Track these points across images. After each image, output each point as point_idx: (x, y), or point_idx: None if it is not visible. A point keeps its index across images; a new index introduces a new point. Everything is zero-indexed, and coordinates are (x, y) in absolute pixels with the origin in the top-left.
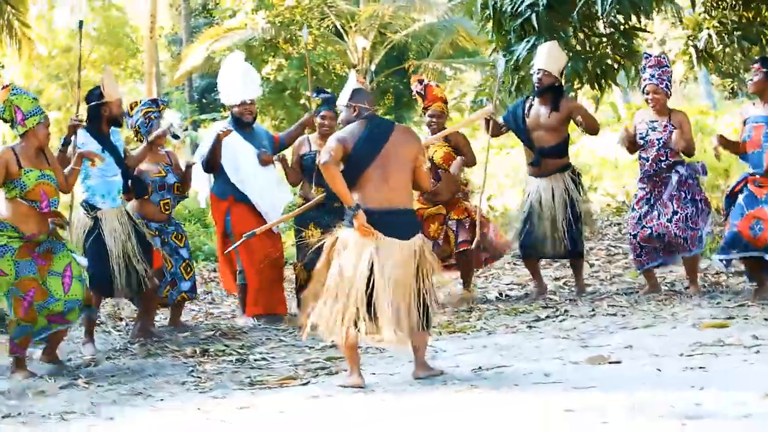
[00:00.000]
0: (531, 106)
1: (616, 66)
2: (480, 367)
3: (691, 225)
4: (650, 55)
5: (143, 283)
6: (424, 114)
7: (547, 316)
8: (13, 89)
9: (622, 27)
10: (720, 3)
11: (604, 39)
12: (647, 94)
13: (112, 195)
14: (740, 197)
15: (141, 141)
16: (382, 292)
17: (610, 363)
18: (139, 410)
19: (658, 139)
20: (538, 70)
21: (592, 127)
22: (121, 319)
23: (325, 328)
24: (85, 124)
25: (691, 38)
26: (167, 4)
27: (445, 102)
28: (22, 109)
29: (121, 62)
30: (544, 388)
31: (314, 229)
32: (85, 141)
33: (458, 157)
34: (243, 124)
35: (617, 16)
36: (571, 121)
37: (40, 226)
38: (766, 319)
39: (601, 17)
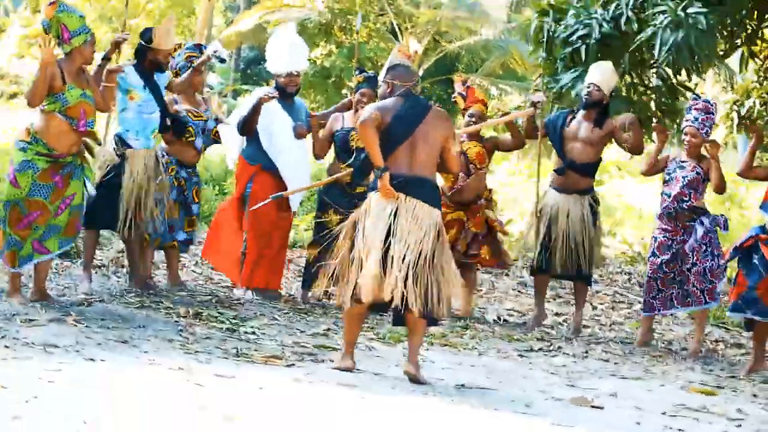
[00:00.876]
0: (573, 118)
1: (655, 120)
2: (464, 385)
3: (710, 278)
4: (698, 98)
5: (150, 228)
6: (464, 115)
7: (540, 349)
8: (60, 6)
9: (668, 81)
10: None
11: (649, 90)
12: (685, 135)
13: (146, 133)
14: (755, 258)
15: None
16: (398, 248)
17: (592, 407)
18: (121, 357)
19: (683, 177)
20: (590, 84)
21: (638, 144)
22: (122, 267)
23: (338, 291)
24: (126, 38)
25: (737, 103)
26: None
27: (486, 105)
28: (68, 27)
29: (175, 18)
30: (523, 418)
31: (333, 215)
32: (128, 72)
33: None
34: (285, 94)
35: (666, 68)
36: (612, 143)
37: (72, 144)
38: (754, 395)
39: (653, 65)
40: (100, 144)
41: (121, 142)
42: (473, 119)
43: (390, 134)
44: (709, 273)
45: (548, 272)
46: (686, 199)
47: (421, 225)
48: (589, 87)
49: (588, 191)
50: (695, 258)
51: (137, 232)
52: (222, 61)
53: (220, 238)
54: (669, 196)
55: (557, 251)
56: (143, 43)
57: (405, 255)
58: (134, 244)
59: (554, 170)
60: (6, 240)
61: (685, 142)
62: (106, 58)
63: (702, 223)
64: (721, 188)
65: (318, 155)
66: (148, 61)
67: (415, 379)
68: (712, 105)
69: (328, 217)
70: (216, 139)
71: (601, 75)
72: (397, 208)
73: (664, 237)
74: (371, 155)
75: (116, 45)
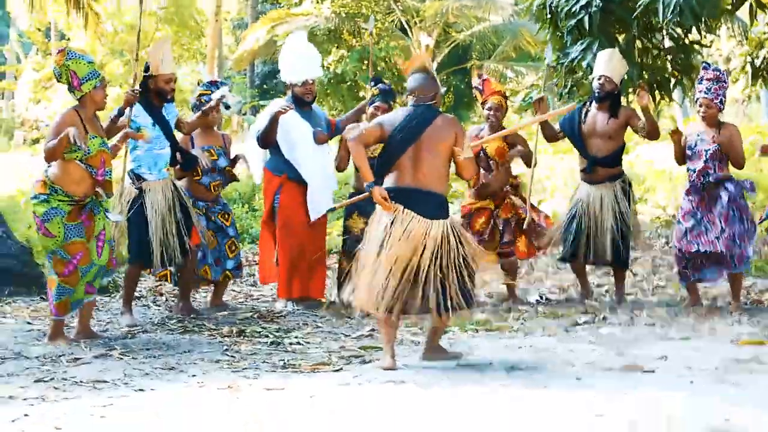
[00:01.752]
0: (587, 112)
1: (672, 80)
2: (513, 367)
3: (739, 242)
4: (709, 66)
5: (178, 258)
6: (483, 108)
7: (585, 322)
8: (68, 53)
9: (681, 41)
10: None
11: (662, 52)
12: (700, 106)
13: (159, 167)
14: None
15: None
16: (385, 260)
17: (644, 372)
18: (170, 384)
19: (705, 150)
20: (600, 76)
21: (653, 131)
22: (161, 294)
23: (358, 302)
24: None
25: (750, 55)
26: None
27: (504, 96)
28: (78, 74)
29: (185, 43)
30: (575, 392)
31: (358, 218)
32: (136, 112)
33: (518, 147)
34: (303, 103)
35: (677, 29)
36: (628, 129)
37: (90, 189)
38: None
39: (662, 27)
40: (110, 195)
41: (136, 177)
42: (492, 111)
43: (390, 146)
44: (738, 238)
45: (581, 262)
46: (711, 171)
47: (413, 238)
48: (599, 79)
49: (618, 176)
50: (724, 224)
51: (184, 264)
52: (227, 107)
53: (265, 259)
54: (694, 172)
55: (591, 241)
56: (144, 74)
57: (391, 268)
58: (185, 274)
59: (582, 170)
60: (56, 290)
61: (701, 114)
62: (120, 114)
63: (727, 189)
64: (741, 165)
65: (339, 168)
66: (153, 93)
67: (441, 359)
68: (723, 73)
69: (353, 222)
70: (232, 177)
71: (610, 64)
72: (393, 221)
73: (689, 205)
74: (360, 171)
75: (129, 101)
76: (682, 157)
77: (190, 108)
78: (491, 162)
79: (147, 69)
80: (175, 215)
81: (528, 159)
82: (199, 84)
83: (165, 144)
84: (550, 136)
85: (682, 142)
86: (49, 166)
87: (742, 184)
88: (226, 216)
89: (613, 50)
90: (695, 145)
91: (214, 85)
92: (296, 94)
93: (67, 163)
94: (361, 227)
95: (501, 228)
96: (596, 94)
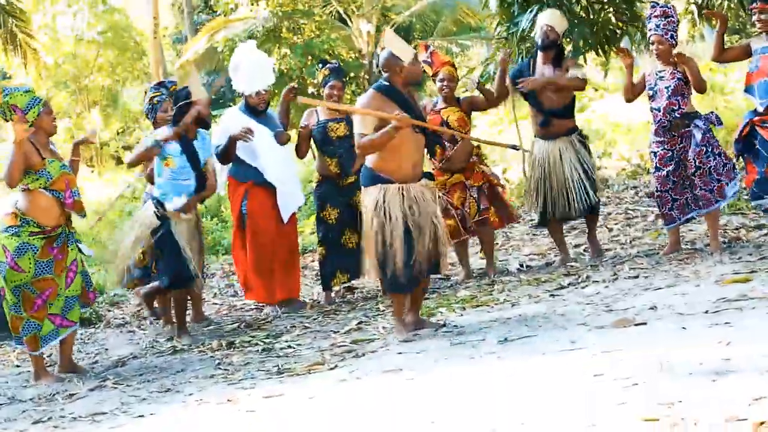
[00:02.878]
0: (534, 67)
1: (618, 32)
2: (506, 339)
3: (716, 177)
4: (656, 5)
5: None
6: (434, 81)
7: (570, 284)
8: (3, 90)
9: None
10: None
11: (606, 5)
12: (652, 44)
13: (182, 198)
14: (756, 143)
15: (153, 126)
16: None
17: (635, 325)
18: (168, 406)
19: (666, 87)
20: (543, 25)
21: (698, 83)
22: (144, 318)
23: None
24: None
25: None
26: (169, 3)
27: (454, 66)
28: (18, 106)
29: (127, 66)
30: (571, 354)
31: (331, 210)
32: (204, 134)
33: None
34: (257, 111)
35: None
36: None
37: (60, 217)
38: None
39: None
40: (84, 216)
41: (159, 205)
42: (444, 83)
43: None
44: (714, 172)
45: (557, 221)
46: (676, 107)
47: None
48: (543, 28)
49: (573, 131)
50: (698, 161)
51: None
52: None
53: (244, 270)
54: (659, 110)
55: (559, 199)
56: (180, 102)
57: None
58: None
59: (539, 125)
60: (23, 325)
61: (654, 51)
62: (76, 145)
63: (698, 126)
64: (701, 88)
65: (299, 155)
66: (194, 120)
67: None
68: (670, 8)
69: (327, 214)
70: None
71: (553, 16)
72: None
73: (663, 149)
74: (379, 139)
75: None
76: (631, 92)
77: (144, 115)
78: (455, 135)
79: (182, 98)
80: (196, 239)
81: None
82: (146, 93)
83: (190, 174)
84: (501, 88)
85: (640, 84)
86: (17, 200)
87: (709, 118)
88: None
89: (553, 9)
90: (655, 84)
91: (162, 86)
92: (251, 104)
93: (33, 193)
94: (335, 217)
95: (476, 197)
96: (540, 43)
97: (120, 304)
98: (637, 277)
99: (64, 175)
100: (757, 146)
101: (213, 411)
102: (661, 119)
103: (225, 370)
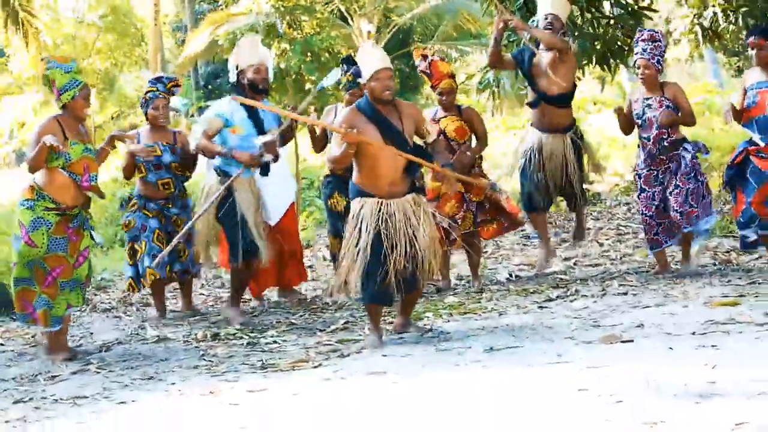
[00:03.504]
0: (535, 55)
1: (624, 47)
2: (492, 348)
3: (691, 202)
4: (643, 30)
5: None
6: (435, 91)
7: (558, 296)
8: (48, 62)
9: (629, 8)
10: None
11: (612, 20)
12: (638, 68)
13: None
14: (747, 172)
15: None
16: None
17: (622, 342)
18: (150, 394)
19: (654, 117)
20: (547, 15)
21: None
22: (131, 305)
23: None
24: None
25: (696, 16)
26: None
27: (453, 77)
28: (56, 84)
29: (126, 51)
30: (556, 368)
31: (339, 197)
32: (235, 109)
33: (472, 146)
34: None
35: None
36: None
37: (77, 198)
38: None
39: None
40: (102, 197)
41: (223, 173)
42: (444, 96)
43: None
44: (690, 196)
45: (542, 208)
46: (665, 137)
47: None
48: (547, 18)
49: (569, 128)
50: (679, 181)
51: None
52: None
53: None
54: (648, 140)
55: (547, 191)
56: (236, 72)
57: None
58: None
59: (527, 103)
60: (36, 299)
61: (640, 76)
62: (112, 138)
63: (687, 149)
64: (692, 122)
65: (318, 151)
66: (248, 88)
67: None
68: (657, 33)
69: (334, 202)
70: (181, 173)
71: (556, 2)
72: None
73: (648, 170)
74: (339, 156)
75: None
76: (627, 128)
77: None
78: (453, 143)
79: (237, 66)
80: (260, 213)
81: (483, 144)
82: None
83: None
84: (495, 57)
85: (626, 109)
86: (37, 175)
87: (698, 145)
88: (179, 222)
89: None
90: (643, 113)
91: (159, 81)
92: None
93: (51, 171)
94: (344, 205)
95: (474, 210)
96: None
97: (107, 289)
98: (625, 293)
99: (84, 159)
100: (747, 175)
101: (195, 402)
102: (650, 148)
103: (209, 361)
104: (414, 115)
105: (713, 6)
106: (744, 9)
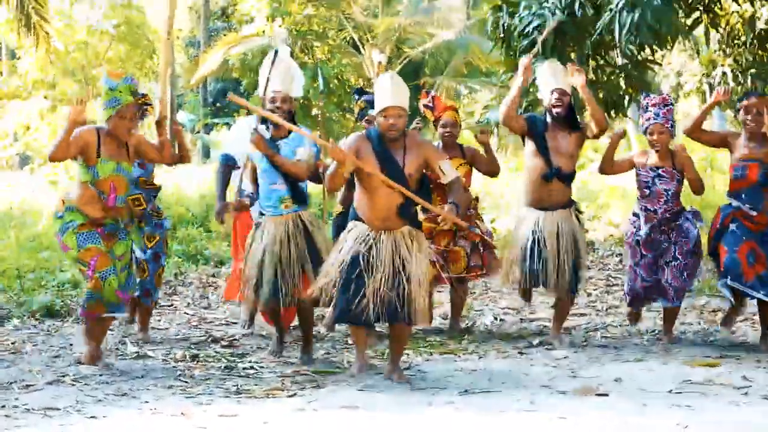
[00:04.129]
0: (547, 126)
1: (627, 97)
2: (467, 391)
3: (685, 277)
4: (649, 95)
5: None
6: (436, 127)
7: (539, 343)
8: (104, 76)
9: (635, 59)
10: (735, 41)
11: (617, 69)
12: (651, 134)
13: (272, 203)
14: (732, 226)
15: None
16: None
17: (597, 395)
18: (122, 411)
19: (666, 191)
20: (553, 91)
21: (599, 119)
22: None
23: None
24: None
25: (705, 75)
26: (187, 6)
27: (456, 110)
28: (102, 99)
29: (137, 62)
30: (528, 416)
31: None
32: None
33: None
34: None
35: (631, 47)
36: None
37: (104, 212)
38: (757, 361)
39: (616, 46)
40: (137, 216)
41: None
42: (447, 129)
43: None
44: (685, 272)
45: (535, 286)
46: (671, 210)
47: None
48: (554, 94)
49: (570, 204)
50: (677, 252)
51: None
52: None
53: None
54: (655, 212)
55: (547, 271)
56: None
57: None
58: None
59: (542, 176)
60: (86, 295)
61: (655, 143)
62: (157, 123)
63: (689, 220)
64: (701, 190)
65: (333, 188)
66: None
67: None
68: (668, 96)
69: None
70: (150, 187)
71: (559, 76)
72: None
73: (649, 237)
74: (330, 175)
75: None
76: (610, 168)
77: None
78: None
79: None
80: (290, 252)
81: (495, 168)
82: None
83: (276, 178)
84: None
85: (626, 165)
86: (72, 191)
87: (697, 214)
88: (152, 239)
89: (553, 61)
90: (653, 183)
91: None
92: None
93: (82, 185)
94: None
95: (468, 251)
96: (556, 114)
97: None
98: (607, 346)
99: (112, 178)
100: (734, 229)
101: (166, 422)
102: (655, 223)
103: (185, 382)
104: (424, 154)
105: (722, 66)
106: (752, 71)
